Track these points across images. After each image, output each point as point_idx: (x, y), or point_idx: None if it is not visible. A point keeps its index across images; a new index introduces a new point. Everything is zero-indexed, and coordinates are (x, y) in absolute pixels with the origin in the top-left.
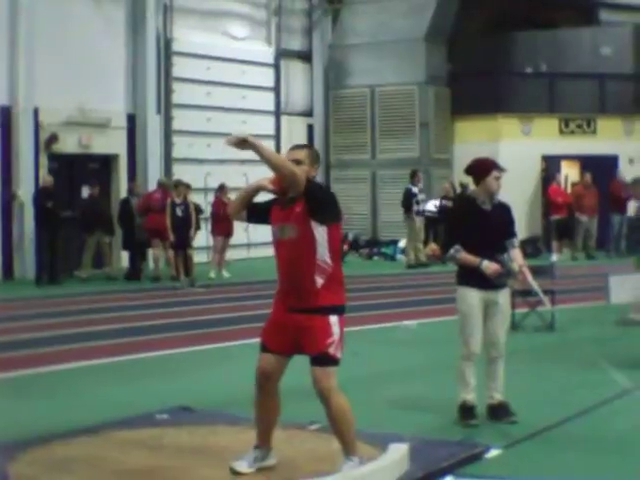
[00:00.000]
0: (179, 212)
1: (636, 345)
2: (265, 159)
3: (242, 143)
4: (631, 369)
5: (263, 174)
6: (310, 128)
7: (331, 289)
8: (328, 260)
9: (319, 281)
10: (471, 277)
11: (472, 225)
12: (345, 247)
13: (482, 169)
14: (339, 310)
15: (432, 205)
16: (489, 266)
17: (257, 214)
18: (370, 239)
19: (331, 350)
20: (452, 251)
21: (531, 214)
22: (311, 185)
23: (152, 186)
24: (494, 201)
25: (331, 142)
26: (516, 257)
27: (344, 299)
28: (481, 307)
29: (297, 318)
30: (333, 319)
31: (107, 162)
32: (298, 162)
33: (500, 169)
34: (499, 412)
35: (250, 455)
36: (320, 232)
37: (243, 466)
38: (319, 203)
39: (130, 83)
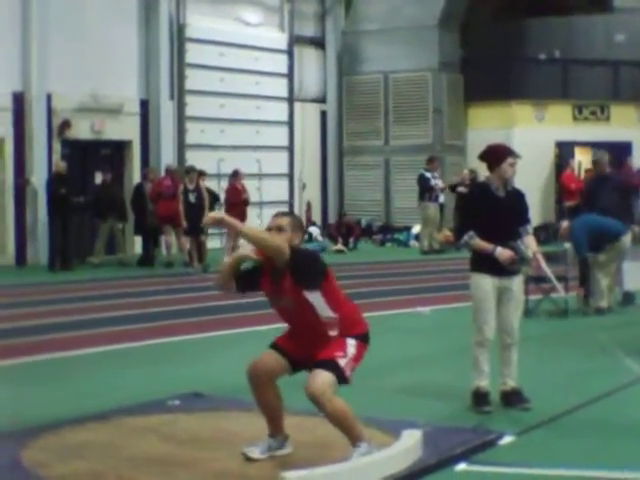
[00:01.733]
0: (192, 198)
1: None
2: (244, 237)
3: (219, 222)
4: None
5: (275, 160)
6: (323, 114)
7: (345, 330)
8: (331, 314)
9: (331, 333)
10: (485, 264)
11: (486, 211)
12: (356, 234)
13: (497, 155)
14: (358, 337)
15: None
16: (503, 253)
17: (247, 283)
18: (383, 225)
19: (340, 361)
20: (466, 237)
21: (544, 200)
22: (294, 254)
23: (163, 173)
24: (508, 187)
25: (344, 128)
26: (530, 244)
27: (363, 328)
28: (495, 293)
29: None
30: (350, 341)
31: (120, 148)
32: (280, 229)
33: (515, 155)
34: (512, 399)
35: (264, 443)
36: (315, 296)
37: (255, 452)
38: (304, 272)
39: (143, 69)
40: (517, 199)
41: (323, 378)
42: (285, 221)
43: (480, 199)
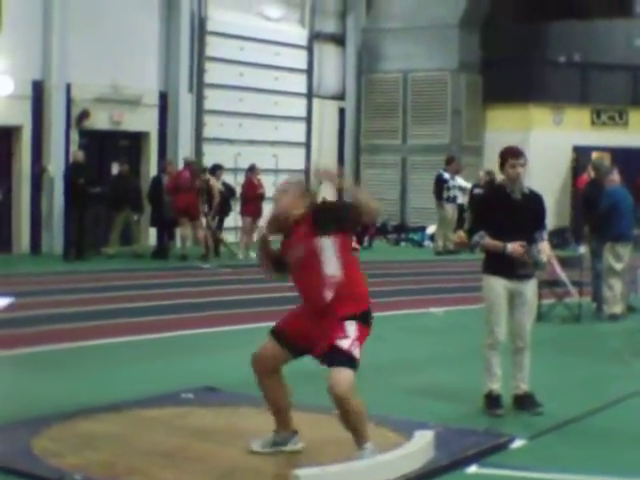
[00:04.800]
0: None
1: None
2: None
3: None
4: None
5: (292, 156)
6: (342, 112)
7: (344, 299)
8: (335, 271)
9: (328, 294)
10: (497, 266)
11: (499, 213)
12: (371, 233)
13: (501, 157)
14: (356, 318)
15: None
16: (515, 248)
17: (279, 263)
18: (398, 225)
19: (344, 343)
20: (476, 237)
21: (560, 205)
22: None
23: (181, 165)
24: (523, 190)
25: (362, 126)
26: (544, 249)
27: (363, 306)
28: (506, 296)
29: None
30: (349, 323)
31: (138, 139)
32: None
33: (517, 156)
34: (525, 402)
35: (267, 437)
36: (327, 242)
37: (256, 445)
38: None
39: (163, 61)
40: (534, 202)
41: (346, 377)
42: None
43: (493, 200)
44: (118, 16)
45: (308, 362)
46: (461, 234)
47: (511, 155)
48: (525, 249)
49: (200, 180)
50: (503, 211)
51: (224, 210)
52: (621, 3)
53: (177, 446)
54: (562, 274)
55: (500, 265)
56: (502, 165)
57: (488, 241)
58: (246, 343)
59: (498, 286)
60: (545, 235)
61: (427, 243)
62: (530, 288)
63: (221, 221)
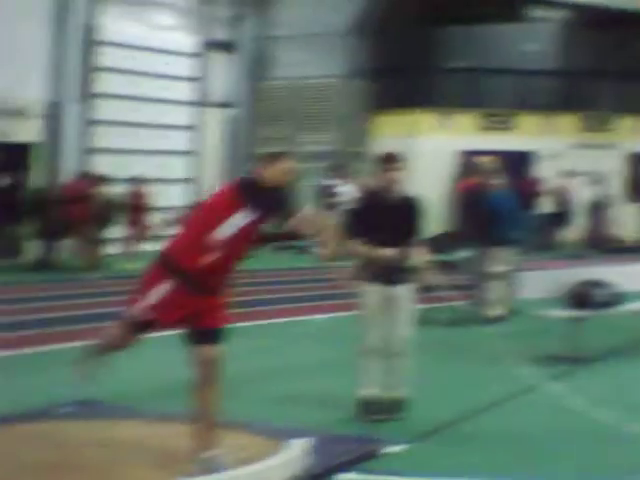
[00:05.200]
0: None
1: (542, 340)
2: None
3: None
4: (537, 364)
5: (181, 166)
6: (232, 120)
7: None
8: None
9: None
10: (370, 272)
11: (374, 218)
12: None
13: (377, 163)
14: None
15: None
16: (385, 252)
17: None
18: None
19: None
20: (350, 244)
21: (444, 209)
22: None
23: (69, 176)
24: (400, 194)
25: (253, 134)
26: (419, 253)
27: None
28: (380, 302)
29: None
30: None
31: (23, 150)
32: None
33: (391, 162)
34: (396, 408)
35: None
36: None
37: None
38: None
39: (51, 71)
40: (410, 207)
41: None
42: None
43: (369, 206)
44: (5, 24)
45: (181, 374)
46: (326, 252)
47: (386, 160)
48: (399, 254)
49: (92, 190)
50: (378, 216)
51: (109, 221)
52: (511, 8)
53: (56, 460)
54: (440, 278)
55: (374, 271)
56: (379, 170)
57: (361, 248)
58: (127, 355)
59: (371, 292)
60: (421, 239)
61: (312, 250)
62: (405, 293)
63: (104, 232)
